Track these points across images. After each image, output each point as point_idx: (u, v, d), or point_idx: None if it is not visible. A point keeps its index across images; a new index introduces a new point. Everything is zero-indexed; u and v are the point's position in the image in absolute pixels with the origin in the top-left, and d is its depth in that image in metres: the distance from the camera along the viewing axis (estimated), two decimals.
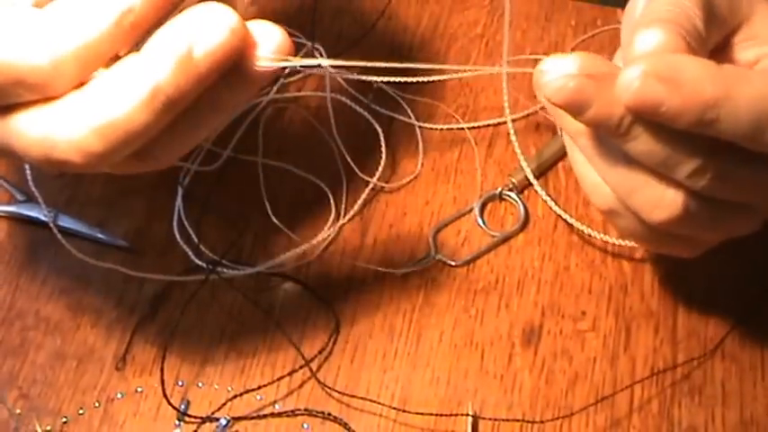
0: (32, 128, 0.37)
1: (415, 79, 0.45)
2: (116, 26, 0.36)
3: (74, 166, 0.37)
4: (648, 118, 0.37)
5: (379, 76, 0.43)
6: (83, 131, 0.36)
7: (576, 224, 0.56)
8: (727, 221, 0.42)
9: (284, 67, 0.38)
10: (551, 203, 0.56)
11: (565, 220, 0.57)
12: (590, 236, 0.56)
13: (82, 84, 0.37)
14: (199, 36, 0.36)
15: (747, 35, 0.42)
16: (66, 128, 0.37)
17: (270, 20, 0.38)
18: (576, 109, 0.38)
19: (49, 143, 0.37)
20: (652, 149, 0.38)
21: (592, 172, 0.43)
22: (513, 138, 0.57)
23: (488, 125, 0.61)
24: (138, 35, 0.37)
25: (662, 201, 0.40)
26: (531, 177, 0.57)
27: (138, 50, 0.37)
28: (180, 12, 0.37)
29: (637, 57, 0.38)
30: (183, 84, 0.36)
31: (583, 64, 0.37)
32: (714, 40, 0.41)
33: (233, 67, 0.37)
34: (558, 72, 0.37)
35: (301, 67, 0.60)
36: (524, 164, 0.57)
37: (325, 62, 0.41)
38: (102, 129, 0.36)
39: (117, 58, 0.37)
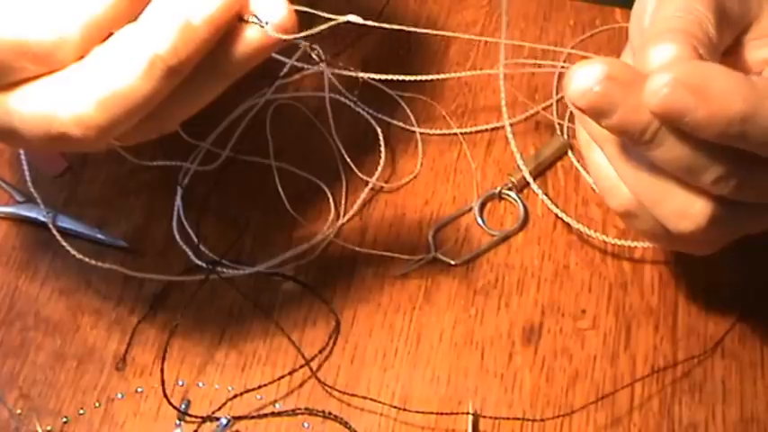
0: (33, 102, 0.37)
1: (412, 78, 0.45)
2: None
3: (73, 140, 0.37)
4: (672, 125, 0.37)
5: (377, 73, 0.43)
6: (83, 104, 0.36)
7: (574, 224, 0.56)
8: (749, 223, 0.42)
9: (283, 65, 0.38)
10: (549, 203, 0.56)
11: (561, 219, 0.56)
12: (588, 235, 0.56)
13: (81, 57, 0.37)
14: (196, 2, 0.36)
15: (758, 33, 0.42)
16: (67, 101, 0.36)
17: None
18: (599, 113, 0.37)
19: (49, 117, 0.37)
20: (676, 157, 0.38)
21: (610, 174, 0.43)
22: (510, 138, 0.57)
23: (486, 129, 0.61)
24: (142, 6, 0.37)
25: (689, 212, 0.40)
26: (528, 178, 0.57)
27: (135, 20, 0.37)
28: None
29: (657, 68, 0.37)
30: (183, 52, 0.36)
31: (609, 69, 0.37)
32: (726, 42, 0.41)
33: (233, 31, 0.37)
34: (585, 76, 0.37)
35: (297, 61, 0.61)
36: (521, 164, 0.57)
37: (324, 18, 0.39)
38: (102, 101, 0.36)
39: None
